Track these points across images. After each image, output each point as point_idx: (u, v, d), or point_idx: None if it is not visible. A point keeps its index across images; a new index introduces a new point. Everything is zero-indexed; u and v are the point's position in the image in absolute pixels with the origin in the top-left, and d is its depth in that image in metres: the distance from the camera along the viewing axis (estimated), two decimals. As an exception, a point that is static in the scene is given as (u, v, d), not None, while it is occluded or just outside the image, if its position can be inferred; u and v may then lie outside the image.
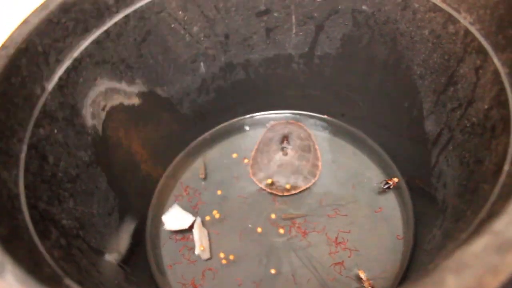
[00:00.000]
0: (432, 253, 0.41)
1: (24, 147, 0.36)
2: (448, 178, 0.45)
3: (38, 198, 0.35)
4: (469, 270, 0.20)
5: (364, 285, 0.48)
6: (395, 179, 0.54)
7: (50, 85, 0.40)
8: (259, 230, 0.54)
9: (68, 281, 0.28)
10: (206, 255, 0.52)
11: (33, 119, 0.38)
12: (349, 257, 0.51)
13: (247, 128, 0.62)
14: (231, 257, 0.52)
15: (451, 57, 0.42)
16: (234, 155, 0.60)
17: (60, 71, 0.40)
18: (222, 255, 0.52)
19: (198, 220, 0.54)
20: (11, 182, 0.33)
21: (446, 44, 0.42)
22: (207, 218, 0.55)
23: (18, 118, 0.36)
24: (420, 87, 0.48)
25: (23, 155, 0.35)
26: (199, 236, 0.52)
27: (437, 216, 0.45)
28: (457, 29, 0.41)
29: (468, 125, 0.40)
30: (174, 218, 0.53)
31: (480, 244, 0.20)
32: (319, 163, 0.58)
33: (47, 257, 0.30)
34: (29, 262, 0.25)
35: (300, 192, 0.56)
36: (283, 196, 0.56)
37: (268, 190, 0.56)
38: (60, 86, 0.40)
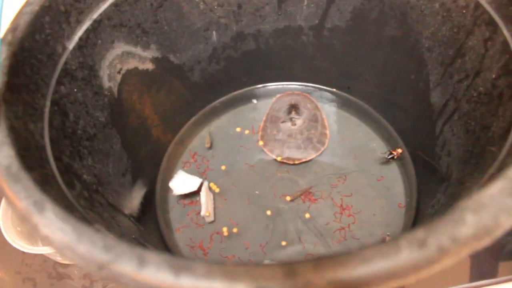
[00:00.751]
0: (437, 215, 0.43)
1: (48, 103, 0.37)
2: (453, 146, 0.46)
3: (61, 151, 0.36)
4: (486, 209, 0.21)
5: None
6: (399, 150, 0.55)
7: (71, 45, 0.40)
8: (265, 196, 0.55)
9: (98, 226, 0.30)
10: (210, 218, 0.53)
11: (55, 76, 0.38)
12: (353, 223, 0.53)
13: (254, 101, 0.63)
14: (238, 222, 0.54)
15: (460, 30, 0.44)
16: (242, 125, 0.61)
17: (80, 32, 0.41)
18: (229, 220, 0.54)
19: (206, 183, 0.55)
20: (37, 134, 0.34)
21: (455, 17, 0.44)
22: (214, 184, 0.56)
23: (41, 74, 0.37)
24: (428, 60, 0.49)
25: (46, 110, 0.36)
26: (205, 199, 0.53)
27: (441, 183, 0.47)
28: (467, 2, 0.42)
29: (474, 94, 0.42)
30: (181, 182, 0.54)
31: (496, 187, 0.22)
32: (327, 132, 0.59)
33: (76, 204, 0.31)
34: (62, 205, 0.26)
35: (310, 160, 0.57)
36: (294, 164, 0.57)
37: (279, 159, 0.57)
38: (80, 46, 0.41)
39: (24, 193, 0.26)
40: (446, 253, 0.21)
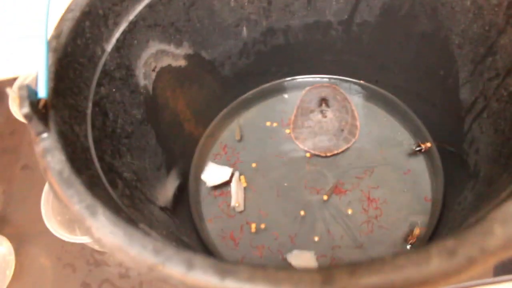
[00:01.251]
0: (464, 213, 0.44)
1: (90, 104, 0.39)
2: (481, 145, 0.47)
3: (103, 151, 0.38)
4: (515, 221, 0.22)
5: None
6: (428, 144, 0.56)
7: (109, 47, 0.42)
8: (294, 189, 0.57)
9: (142, 225, 0.32)
10: (240, 208, 0.55)
11: (95, 78, 0.40)
12: (379, 216, 0.54)
13: (285, 96, 0.64)
14: (268, 213, 0.56)
15: (491, 28, 0.44)
16: (271, 118, 0.62)
17: (117, 33, 0.43)
18: (259, 211, 0.56)
19: (236, 174, 0.57)
20: (82, 136, 0.36)
21: (487, 15, 0.44)
22: (245, 176, 0.58)
23: (83, 77, 0.39)
24: (458, 57, 0.49)
25: (89, 112, 0.38)
26: (236, 189, 0.55)
27: (468, 180, 0.47)
28: (500, 0, 0.42)
29: (505, 94, 0.42)
30: (213, 174, 0.56)
31: (525, 200, 0.23)
32: (358, 123, 0.60)
33: (120, 203, 0.33)
34: (110, 207, 0.28)
35: (341, 152, 0.59)
36: (326, 156, 0.58)
37: (312, 151, 0.59)
38: (117, 47, 0.43)
39: (77, 197, 0.28)
40: (474, 263, 0.22)
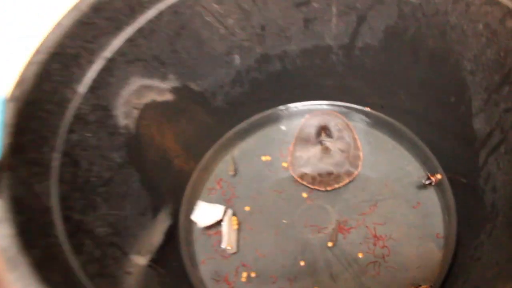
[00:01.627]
0: (482, 263, 0.39)
1: (57, 155, 0.35)
2: (498, 183, 0.42)
3: (71, 208, 0.34)
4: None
5: None
6: (438, 176, 0.51)
7: (82, 88, 0.39)
8: (294, 226, 0.53)
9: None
10: (232, 250, 0.51)
11: (65, 125, 0.37)
12: (387, 255, 0.50)
13: (283, 125, 0.60)
14: (265, 254, 0.51)
15: (508, 54, 0.39)
16: (269, 149, 0.58)
17: (92, 73, 0.39)
18: (255, 252, 0.52)
19: (229, 212, 0.53)
20: (44, 196, 0.32)
21: (502, 40, 0.39)
22: (241, 212, 0.54)
23: (50, 125, 0.35)
24: (470, 83, 0.44)
25: (56, 164, 0.35)
26: (227, 229, 0.51)
27: (485, 221, 0.43)
28: (516, 24, 0.37)
29: (525, 130, 0.37)
30: (204, 213, 0.52)
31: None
32: (361, 153, 0.56)
33: (82, 276, 0.30)
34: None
35: (342, 186, 0.54)
36: (326, 191, 0.54)
37: (311, 186, 0.54)
38: (92, 88, 0.39)
39: (21, 283, 0.24)
40: None
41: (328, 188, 0.54)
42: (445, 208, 0.51)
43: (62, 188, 0.34)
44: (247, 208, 0.54)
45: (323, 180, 0.54)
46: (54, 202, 0.33)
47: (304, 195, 0.54)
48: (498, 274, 0.34)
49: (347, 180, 0.54)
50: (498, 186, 0.42)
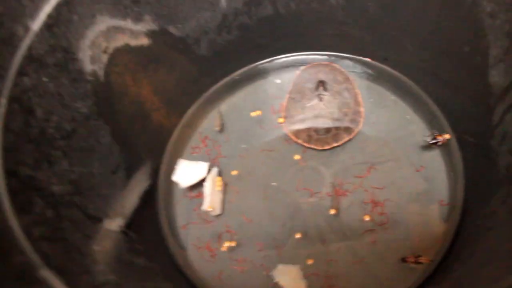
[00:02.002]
0: (493, 236, 0.34)
1: (3, 101, 0.30)
2: (516, 144, 0.37)
3: (19, 162, 0.30)
4: None
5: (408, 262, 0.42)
6: (446, 136, 0.46)
7: (36, 25, 0.33)
8: (284, 189, 0.48)
9: (44, 272, 0.23)
10: (216, 212, 0.47)
11: (14, 66, 0.31)
12: (385, 223, 0.45)
13: (276, 78, 0.54)
14: (252, 218, 0.47)
15: (535, -9, 0.33)
16: (259, 103, 0.53)
17: (48, 8, 0.34)
18: (241, 216, 0.47)
19: (214, 170, 0.48)
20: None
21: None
22: (226, 172, 0.49)
23: (-6, 65, 0.30)
24: (489, 29, 0.39)
25: (1, 111, 0.30)
26: (210, 190, 0.46)
27: (498, 187, 0.38)
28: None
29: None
30: (186, 172, 0.47)
31: None
32: (361, 109, 0.50)
33: (22, 238, 0.25)
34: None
35: (341, 144, 0.49)
36: (323, 150, 0.49)
37: (306, 144, 0.49)
38: (48, 25, 0.34)
39: None
40: None
41: (326, 147, 0.49)
42: (452, 173, 0.46)
43: (8, 138, 0.29)
44: (233, 169, 0.50)
45: (320, 138, 0.49)
46: (-4, 154, 0.28)
47: (297, 155, 0.49)
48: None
49: (346, 138, 0.49)
50: (516, 147, 0.37)
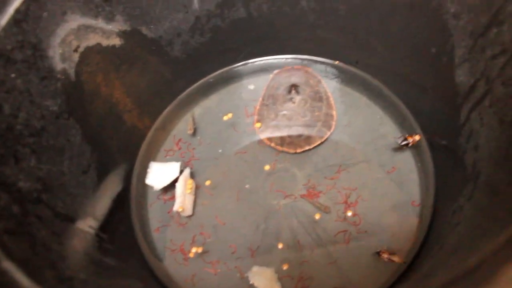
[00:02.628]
0: (460, 230, 0.35)
1: (-33, 95, 0.29)
2: (482, 140, 0.38)
3: (-16, 156, 0.29)
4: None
5: (383, 258, 0.42)
6: (416, 137, 0.47)
7: (3, 19, 0.33)
8: (257, 191, 0.48)
9: (6, 264, 0.23)
10: (186, 213, 0.47)
11: (-20, 61, 0.31)
12: (357, 224, 0.45)
13: (249, 81, 0.54)
14: (225, 221, 0.47)
15: (497, -10, 0.34)
16: (233, 107, 0.53)
17: (16, 2, 0.33)
18: (215, 218, 0.47)
19: (186, 171, 0.48)
20: None
21: (491, -26, 0.34)
22: (199, 175, 0.49)
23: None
24: (453, 29, 0.40)
25: (-35, 105, 0.29)
26: (182, 190, 0.46)
27: (465, 183, 0.38)
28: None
29: (513, 75, 0.33)
30: (159, 174, 0.47)
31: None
32: (334, 112, 0.51)
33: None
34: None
35: (314, 147, 0.49)
36: (295, 153, 0.49)
37: (279, 148, 0.49)
38: (16, 20, 0.33)
39: None
40: None
41: (298, 150, 0.49)
42: (423, 173, 0.47)
43: (-28, 132, 0.29)
44: (206, 171, 0.49)
45: (293, 142, 0.50)
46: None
47: (271, 157, 0.49)
48: (481, 236, 0.29)
49: (318, 141, 0.50)
50: (481, 144, 0.38)
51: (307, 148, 0.49)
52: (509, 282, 0.14)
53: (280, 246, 0.45)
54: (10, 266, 0.22)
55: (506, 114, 0.33)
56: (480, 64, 0.38)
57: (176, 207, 0.45)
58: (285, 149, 0.49)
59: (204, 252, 0.45)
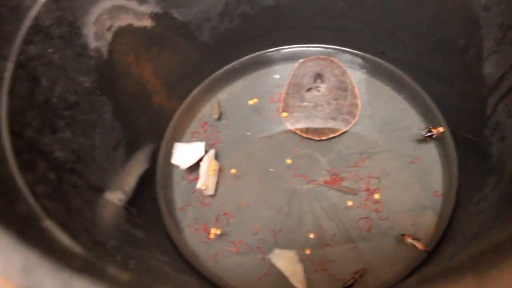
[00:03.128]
0: (483, 217, 0.35)
1: (9, 65, 0.31)
2: (508, 132, 0.38)
3: (25, 124, 0.30)
4: None
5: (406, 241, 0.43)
6: (440, 129, 0.47)
7: (43, -4, 0.34)
8: (281, 176, 0.49)
9: (47, 223, 0.24)
10: (208, 192, 0.48)
11: (21, 34, 0.32)
12: (380, 211, 0.46)
13: (275, 68, 0.55)
14: (249, 202, 0.47)
15: (528, -19, 0.34)
16: (259, 92, 0.53)
17: (55, -20, 0.35)
18: (239, 200, 0.48)
19: (211, 152, 0.49)
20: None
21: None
22: (225, 158, 0.50)
23: (2, 31, 0.31)
24: (483, 21, 0.40)
25: (7, 74, 0.30)
26: (206, 169, 0.47)
27: (490, 175, 0.39)
28: None
29: (543, 66, 0.33)
30: (184, 154, 0.48)
31: None
32: (358, 101, 0.51)
33: (26, 193, 0.25)
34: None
35: (338, 135, 0.50)
36: (320, 140, 0.50)
37: (304, 135, 0.50)
38: (56, -3, 0.35)
39: None
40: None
41: (323, 138, 0.50)
42: (446, 164, 0.47)
43: (14, 102, 0.30)
44: (231, 154, 0.50)
45: (318, 129, 0.50)
46: (3, 114, 0.29)
47: (295, 143, 0.50)
48: (505, 222, 0.30)
49: (343, 130, 0.50)
50: (507, 136, 0.38)
51: (331, 136, 0.50)
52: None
53: (302, 229, 0.46)
54: (51, 226, 0.24)
55: (534, 105, 0.34)
56: (509, 56, 0.38)
57: (199, 184, 0.46)
58: (309, 136, 0.50)
59: (223, 234, 0.46)
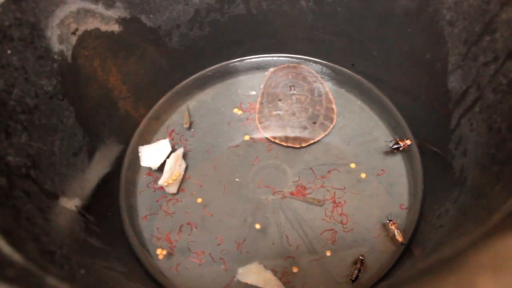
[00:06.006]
0: (442, 231, 0.35)
1: (-38, 65, 0.30)
2: (470, 145, 0.38)
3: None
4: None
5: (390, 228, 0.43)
6: (408, 141, 0.47)
7: (2, -4, 0.33)
8: (247, 185, 0.48)
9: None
10: (171, 190, 0.47)
11: (-23, 33, 0.31)
12: (344, 223, 0.46)
13: (246, 77, 0.55)
14: (213, 212, 0.47)
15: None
16: (228, 101, 0.53)
17: (16, -20, 0.34)
18: (202, 210, 0.47)
19: (180, 150, 0.48)
20: None
21: (487, -17, 0.35)
22: (191, 166, 0.49)
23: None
24: (448, 36, 0.40)
25: (-41, 75, 0.29)
26: (170, 166, 0.46)
27: (452, 188, 0.39)
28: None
29: (504, 82, 0.34)
30: (152, 155, 0.47)
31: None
32: (334, 106, 0.51)
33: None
34: None
35: (317, 141, 0.50)
36: (301, 147, 0.50)
37: (284, 144, 0.50)
38: (15, -3, 0.34)
39: None
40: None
41: (303, 144, 0.50)
42: (412, 177, 0.48)
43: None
44: (197, 163, 0.50)
45: (297, 137, 0.50)
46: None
47: (263, 153, 0.50)
48: (461, 235, 0.30)
49: (322, 135, 0.50)
50: (470, 149, 0.39)
51: (311, 142, 0.50)
52: (479, 267, 0.15)
53: (266, 241, 0.45)
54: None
55: (495, 120, 0.34)
56: (472, 71, 0.38)
57: (162, 181, 0.45)
58: (290, 144, 0.50)
59: (170, 255, 0.45)
